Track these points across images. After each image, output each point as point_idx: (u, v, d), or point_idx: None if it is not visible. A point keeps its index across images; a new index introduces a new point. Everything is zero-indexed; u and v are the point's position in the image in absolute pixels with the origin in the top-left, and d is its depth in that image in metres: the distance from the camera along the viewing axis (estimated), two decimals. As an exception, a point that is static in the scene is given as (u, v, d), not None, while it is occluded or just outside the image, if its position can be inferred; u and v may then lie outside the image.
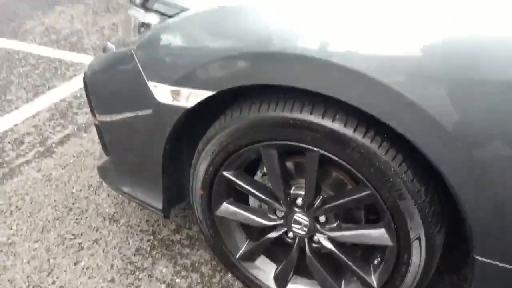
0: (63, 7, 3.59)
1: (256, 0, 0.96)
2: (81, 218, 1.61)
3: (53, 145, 1.99)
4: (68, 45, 2.93)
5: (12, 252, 1.49)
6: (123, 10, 2.90)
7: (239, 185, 1.18)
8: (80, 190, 1.73)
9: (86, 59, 2.72)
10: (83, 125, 2.12)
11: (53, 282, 1.39)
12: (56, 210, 1.64)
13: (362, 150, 0.94)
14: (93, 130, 2.06)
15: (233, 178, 1.17)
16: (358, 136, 0.94)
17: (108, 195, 1.70)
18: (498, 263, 0.92)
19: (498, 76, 0.77)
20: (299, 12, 0.90)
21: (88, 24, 3.27)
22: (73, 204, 1.67)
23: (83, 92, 2.39)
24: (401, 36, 0.82)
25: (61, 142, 2.01)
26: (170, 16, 1.09)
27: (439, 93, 0.80)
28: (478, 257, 0.93)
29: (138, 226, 1.57)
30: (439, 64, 0.80)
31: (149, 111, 1.16)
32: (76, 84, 2.48)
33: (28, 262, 1.45)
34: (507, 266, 0.91)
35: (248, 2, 0.97)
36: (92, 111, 1.41)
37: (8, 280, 1.39)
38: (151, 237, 1.53)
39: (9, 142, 2.01)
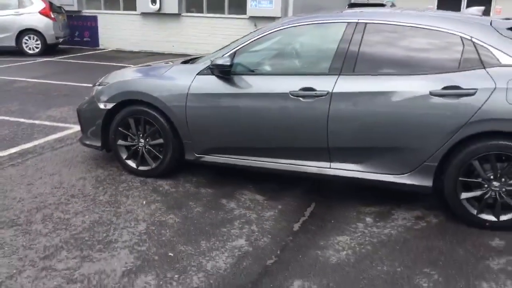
0: (55, 108, 6.46)
1: (128, 79, 3.90)
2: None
3: (52, 148, 4.67)
4: (60, 121, 5.73)
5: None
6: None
7: (124, 132, 3.95)
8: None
9: (69, 126, 5.49)
10: (67, 142, 4.83)
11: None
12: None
13: (157, 117, 3.80)
14: (71, 144, 4.74)
15: (122, 130, 3.96)
16: (156, 114, 3.79)
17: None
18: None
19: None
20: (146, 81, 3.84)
21: (70, 114, 6.11)
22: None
23: (65, 135, 5.12)
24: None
25: (60, 148, 4.69)
26: (104, 85, 4.00)
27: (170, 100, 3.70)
28: (186, 141, 3.76)
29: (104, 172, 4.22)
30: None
31: (97, 111, 3.98)
32: (61, 134, 5.22)
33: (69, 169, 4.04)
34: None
35: (125, 82, 3.91)
36: (81, 127, 4.22)
37: (43, 177, 3.98)
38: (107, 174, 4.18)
39: (29, 148, 4.66)
